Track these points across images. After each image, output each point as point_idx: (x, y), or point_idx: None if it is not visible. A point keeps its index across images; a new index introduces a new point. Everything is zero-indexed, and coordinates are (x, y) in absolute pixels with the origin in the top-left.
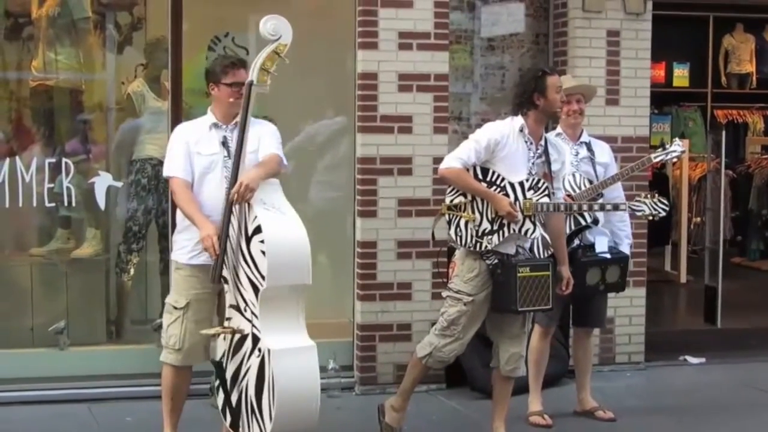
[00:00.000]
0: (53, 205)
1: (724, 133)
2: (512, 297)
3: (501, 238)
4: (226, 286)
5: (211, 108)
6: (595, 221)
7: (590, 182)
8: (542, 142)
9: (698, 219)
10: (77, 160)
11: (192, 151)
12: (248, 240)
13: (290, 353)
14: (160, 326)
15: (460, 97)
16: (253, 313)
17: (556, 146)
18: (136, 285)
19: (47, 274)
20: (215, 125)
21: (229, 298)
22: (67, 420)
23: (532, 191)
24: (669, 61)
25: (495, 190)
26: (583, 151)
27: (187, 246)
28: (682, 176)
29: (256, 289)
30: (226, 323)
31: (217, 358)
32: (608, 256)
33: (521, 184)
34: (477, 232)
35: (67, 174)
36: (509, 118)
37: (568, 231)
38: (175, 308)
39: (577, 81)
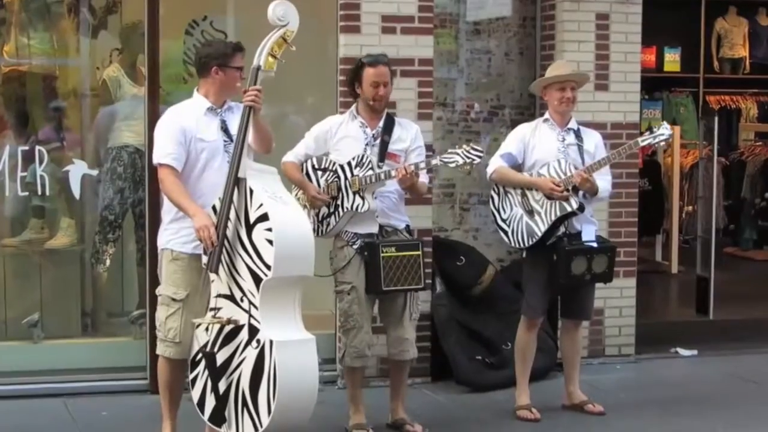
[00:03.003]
0: (26, 194)
1: (716, 119)
2: (378, 277)
3: (337, 219)
4: (212, 275)
5: (202, 92)
6: (581, 208)
7: (575, 168)
8: (380, 124)
9: (690, 208)
10: (51, 148)
11: (193, 138)
12: (249, 228)
13: (292, 345)
14: (137, 318)
15: (445, 83)
16: (251, 303)
17: (405, 126)
18: (112, 276)
19: (20, 265)
20: (210, 109)
21: (219, 288)
22: (42, 415)
23: (358, 168)
24: (660, 45)
25: (327, 174)
26: (570, 138)
27: (186, 235)
28: (673, 164)
29: (257, 279)
30: (210, 313)
31: (195, 350)
32: (595, 244)
33: (348, 164)
34: (318, 217)
35: (41, 162)
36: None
37: (553, 217)
38: (174, 300)
39: (570, 68)
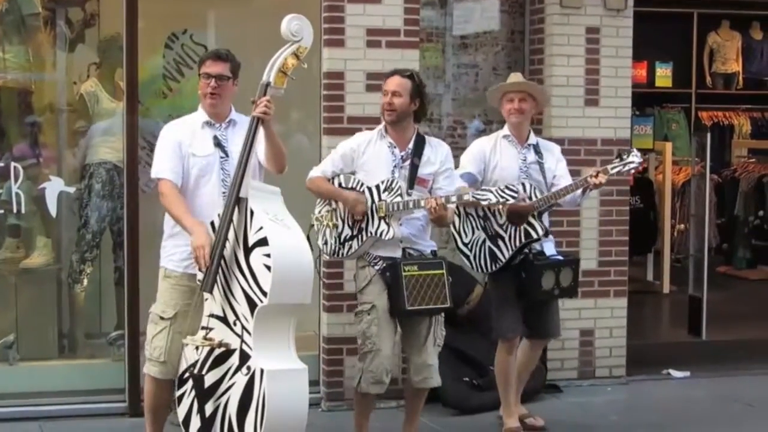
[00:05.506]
0: (1, 212)
1: (709, 135)
2: (401, 296)
3: (360, 243)
4: (205, 293)
5: (201, 105)
6: (546, 233)
7: (541, 192)
8: (410, 145)
9: (682, 226)
10: (27, 165)
11: (186, 153)
12: (248, 251)
13: (283, 375)
14: (115, 339)
15: (431, 98)
16: (244, 328)
17: (435, 147)
18: (89, 296)
19: None
20: (207, 123)
21: (212, 308)
22: None
23: (386, 192)
24: (651, 59)
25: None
26: (531, 156)
27: (179, 253)
28: (665, 181)
29: (252, 304)
30: (202, 332)
31: (183, 367)
32: (560, 258)
33: (377, 187)
34: (339, 238)
35: (16, 179)
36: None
37: (518, 244)
38: (162, 318)
39: (519, 78)
